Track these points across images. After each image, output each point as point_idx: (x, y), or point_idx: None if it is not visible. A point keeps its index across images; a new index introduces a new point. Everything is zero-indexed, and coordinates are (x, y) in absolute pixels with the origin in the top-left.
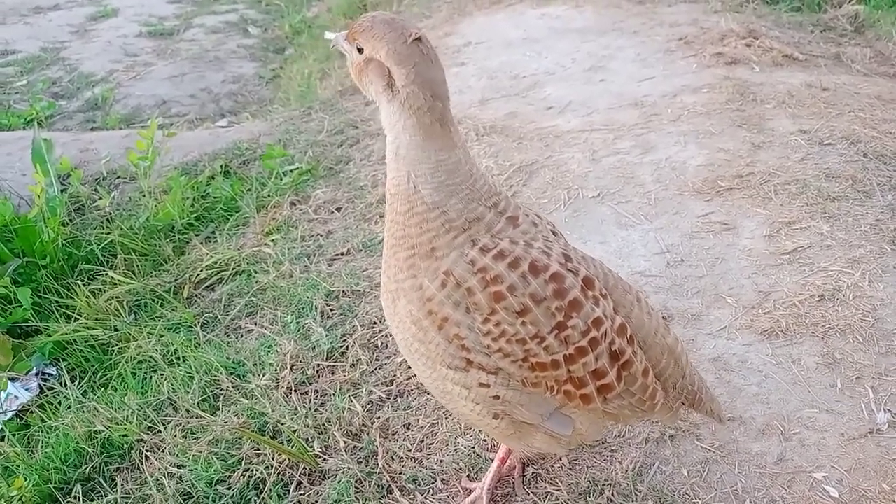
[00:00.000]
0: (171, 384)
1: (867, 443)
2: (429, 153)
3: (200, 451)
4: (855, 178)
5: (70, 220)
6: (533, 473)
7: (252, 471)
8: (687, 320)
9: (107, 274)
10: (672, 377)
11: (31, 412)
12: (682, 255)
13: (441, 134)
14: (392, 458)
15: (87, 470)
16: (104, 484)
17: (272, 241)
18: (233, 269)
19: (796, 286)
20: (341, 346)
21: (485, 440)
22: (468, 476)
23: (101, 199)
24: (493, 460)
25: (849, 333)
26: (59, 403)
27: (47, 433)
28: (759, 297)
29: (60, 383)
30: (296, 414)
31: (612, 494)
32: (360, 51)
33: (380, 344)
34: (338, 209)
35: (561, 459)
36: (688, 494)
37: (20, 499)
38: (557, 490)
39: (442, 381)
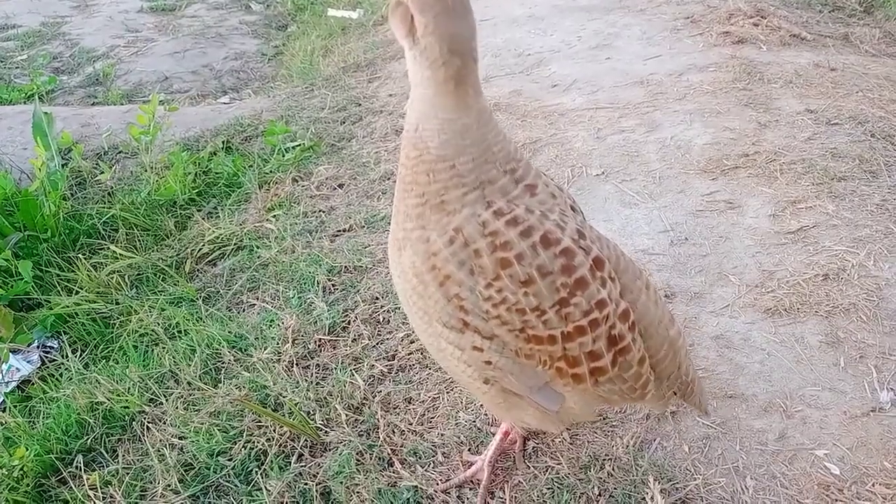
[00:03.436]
0: (173, 357)
1: (869, 421)
2: (435, 111)
3: (202, 423)
4: (862, 157)
5: (71, 195)
6: (534, 448)
7: (253, 442)
8: (690, 298)
9: (108, 248)
10: (668, 369)
11: (33, 384)
12: (686, 234)
13: (453, 93)
14: (393, 431)
15: (89, 441)
16: (105, 454)
17: (274, 216)
18: (235, 244)
19: (801, 265)
20: (343, 321)
21: (485, 414)
22: (469, 449)
23: (102, 173)
24: (494, 434)
25: (853, 313)
26: (61, 375)
27: (49, 404)
28: (762, 275)
29: (62, 356)
30: (297, 387)
31: (613, 469)
32: None
33: (381, 319)
34: (340, 186)
35: (561, 434)
36: (688, 470)
37: (22, 468)
38: (558, 464)
39: (436, 338)
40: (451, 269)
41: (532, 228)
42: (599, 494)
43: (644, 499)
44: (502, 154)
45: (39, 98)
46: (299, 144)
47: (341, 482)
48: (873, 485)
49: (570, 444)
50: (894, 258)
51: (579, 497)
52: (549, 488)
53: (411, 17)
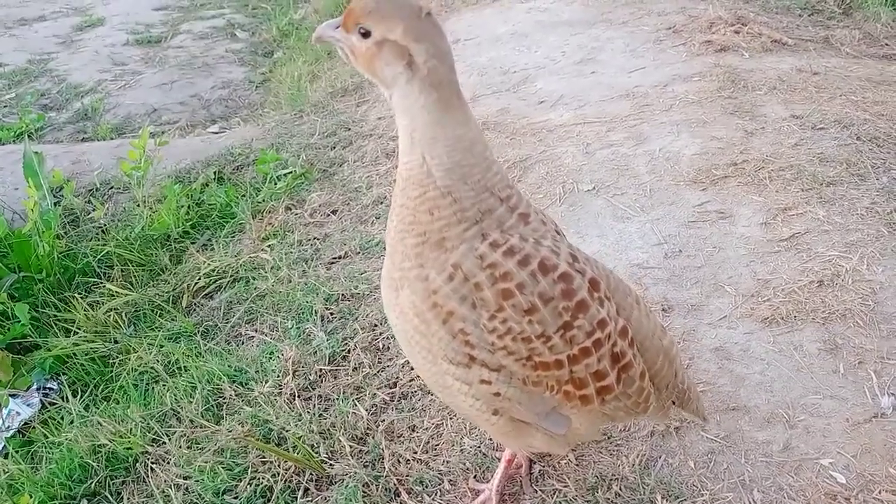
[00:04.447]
0: (174, 395)
1: (872, 427)
2: (447, 129)
3: (206, 462)
4: (849, 161)
5: (65, 233)
6: (540, 471)
7: (258, 479)
8: (687, 311)
9: (104, 286)
10: (665, 378)
11: (34, 428)
12: (680, 246)
13: (459, 107)
14: (398, 460)
15: (93, 484)
16: (110, 498)
17: (269, 246)
18: (231, 276)
19: (795, 272)
20: (343, 350)
21: (490, 440)
22: (475, 476)
23: (95, 210)
24: (499, 459)
25: (849, 318)
26: (62, 418)
27: (51, 449)
28: (758, 284)
29: (62, 398)
30: (300, 420)
31: (620, 489)
32: (366, 35)
33: (381, 346)
34: (333, 212)
35: (567, 456)
36: (695, 486)
37: None
38: (565, 486)
39: (442, 376)
40: (454, 305)
41: (529, 257)
42: None
43: None
44: (498, 178)
45: (29, 136)
46: (291, 172)
47: None
48: (880, 492)
49: (577, 465)
50: (887, 261)
51: None
52: None
53: (406, 50)
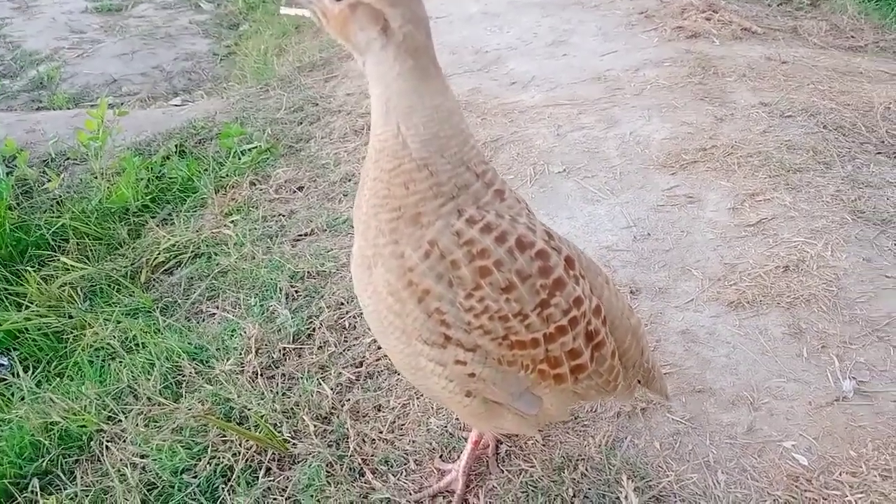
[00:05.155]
0: (131, 372)
1: (834, 410)
2: (424, 98)
3: (164, 440)
4: (815, 149)
5: (18, 205)
6: (506, 451)
7: (219, 458)
8: (655, 293)
9: (59, 259)
10: (633, 357)
11: None
12: (649, 229)
13: (436, 75)
14: (363, 440)
15: (45, 463)
16: (63, 477)
17: (232, 222)
18: (192, 251)
19: (761, 257)
20: (308, 329)
21: (456, 419)
22: (441, 456)
23: (50, 181)
24: (465, 439)
25: (813, 303)
26: (12, 395)
27: (0, 426)
28: (725, 268)
29: (13, 374)
30: (262, 398)
31: (586, 469)
32: None
33: (347, 325)
34: (300, 188)
35: (534, 436)
36: (661, 467)
37: None
38: (531, 467)
39: (415, 357)
40: (430, 283)
41: (506, 233)
42: (574, 496)
43: (618, 498)
44: (474, 153)
45: None
46: (256, 146)
47: (311, 495)
48: (840, 473)
49: (543, 445)
50: (851, 248)
51: (554, 499)
52: (523, 492)
53: (381, 14)
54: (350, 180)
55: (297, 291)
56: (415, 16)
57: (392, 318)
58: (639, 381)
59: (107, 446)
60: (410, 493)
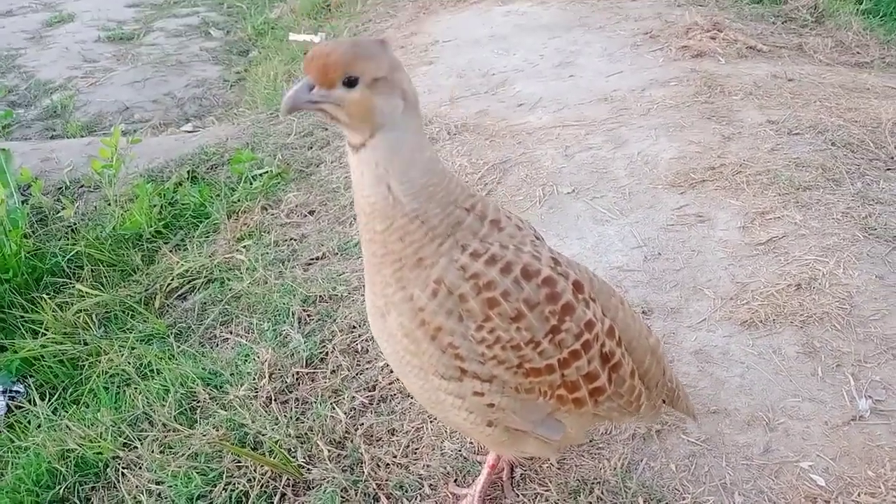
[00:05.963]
0: (146, 398)
1: (850, 430)
2: (424, 151)
3: (179, 466)
4: (824, 166)
5: (33, 232)
6: (522, 475)
7: (234, 484)
8: (667, 314)
9: (73, 286)
10: (654, 377)
11: (0, 432)
12: (659, 249)
13: (422, 128)
14: (378, 464)
15: (61, 490)
16: None
17: (244, 247)
18: (205, 276)
19: (773, 276)
20: (321, 353)
21: (471, 443)
22: (455, 481)
23: (64, 209)
24: (480, 463)
25: (826, 321)
26: (29, 422)
27: (17, 453)
28: (736, 288)
29: (29, 401)
30: (277, 423)
31: (602, 493)
32: (352, 83)
33: (360, 349)
34: (310, 212)
35: (549, 460)
36: (677, 489)
37: None
38: (547, 490)
39: (434, 392)
40: (441, 319)
41: (511, 263)
42: None
43: None
44: (458, 189)
45: None
46: (267, 172)
47: None
48: (859, 494)
49: (558, 469)
50: (863, 265)
51: None
52: None
53: (393, 83)
54: None
55: (309, 315)
56: (406, 75)
57: (409, 357)
58: (663, 401)
59: (123, 473)
60: None
